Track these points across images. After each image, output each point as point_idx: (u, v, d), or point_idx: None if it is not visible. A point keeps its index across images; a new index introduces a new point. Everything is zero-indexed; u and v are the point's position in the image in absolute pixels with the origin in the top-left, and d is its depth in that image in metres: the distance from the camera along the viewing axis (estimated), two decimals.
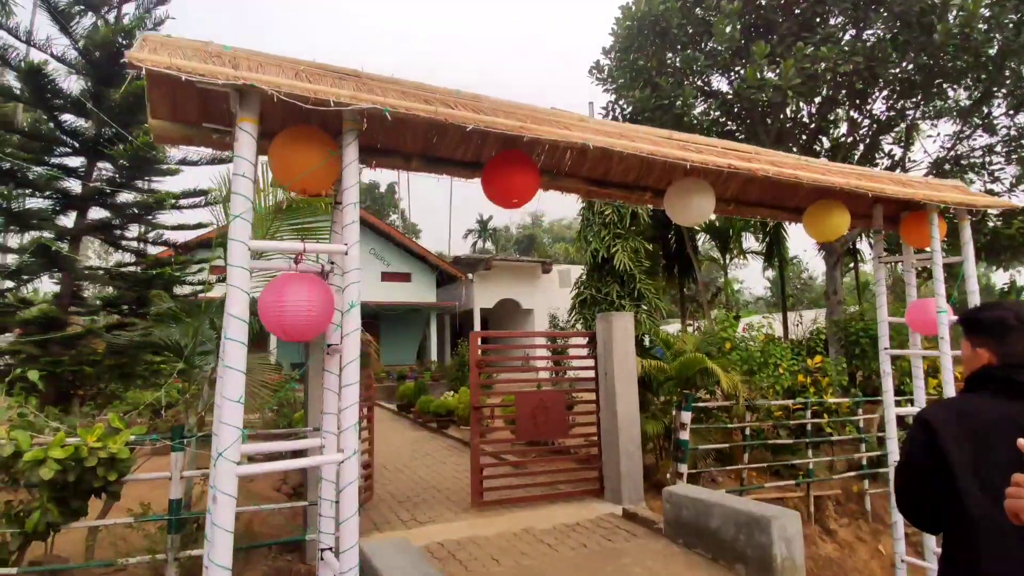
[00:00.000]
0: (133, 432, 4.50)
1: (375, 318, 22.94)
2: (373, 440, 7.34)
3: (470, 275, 22.21)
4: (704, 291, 21.59)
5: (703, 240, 21.36)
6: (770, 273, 39.54)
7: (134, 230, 7.88)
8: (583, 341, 7.49)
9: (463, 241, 48.98)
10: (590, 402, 7.37)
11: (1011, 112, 11.23)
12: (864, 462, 8.33)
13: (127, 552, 4.57)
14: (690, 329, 17.48)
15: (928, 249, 4.63)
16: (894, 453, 4.89)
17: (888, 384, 4.89)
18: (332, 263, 2.88)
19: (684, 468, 6.50)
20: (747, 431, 7.42)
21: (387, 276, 22.00)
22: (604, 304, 8.20)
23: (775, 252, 18.26)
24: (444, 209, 75.36)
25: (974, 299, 4.63)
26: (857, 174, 4.17)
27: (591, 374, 7.30)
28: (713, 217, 20.98)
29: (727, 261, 22.82)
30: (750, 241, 21.54)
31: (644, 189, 3.99)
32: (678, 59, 11.25)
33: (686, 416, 6.45)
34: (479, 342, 6.87)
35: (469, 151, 3.38)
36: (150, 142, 6.22)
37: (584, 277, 8.88)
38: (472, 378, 6.75)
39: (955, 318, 4.78)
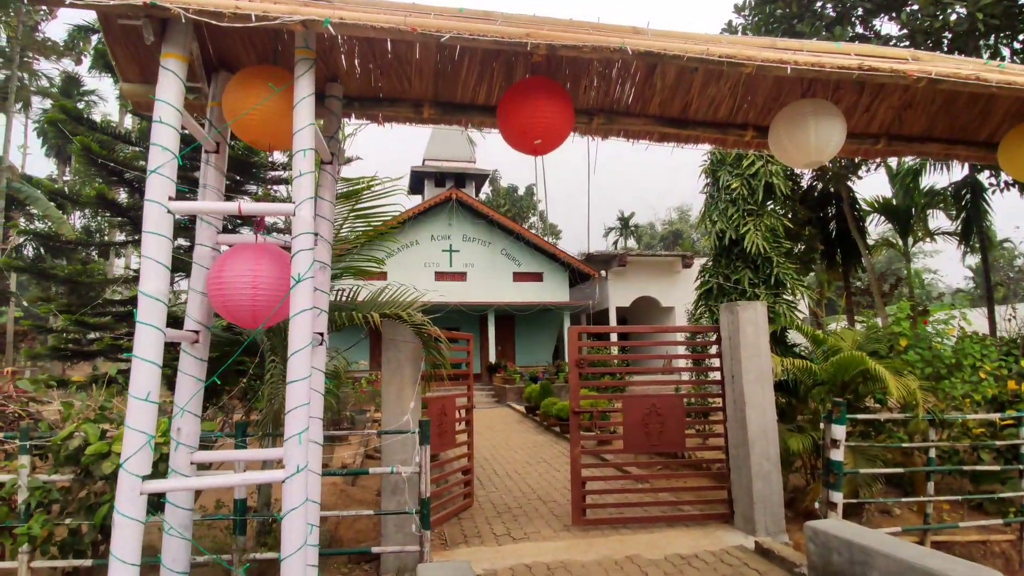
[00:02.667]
0: (206, 427, 4.40)
1: (510, 318, 22.89)
2: (472, 443, 6.88)
3: (603, 272, 21.24)
4: (878, 281, 18.49)
5: (875, 222, 18.27)
6: (973, 260, 33.48)
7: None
8: (709, 337, 6.36)
9: (603, 240, 47.80)
10: (717, 409, 6.23)
11: None
12: None
13: (196, 551, 4.50)
14: (859, 327, 14.89)
15: None
16: None
17: None
18: (317, 235, 2.34)
19: (838, 497, 5.12)
20: (931, 452, 5.75)
21: (519, 276, 21.84)
22: (734, 294, 6.94)
23: (973, 230, 14.92)
24: (584, 208, 74.40)
25: None
26: None
27: (718, 376, 6.16)
28: (889, 193, 17.92)
29: (909, 246, 19.34)
30: (940, 219, 17.96)
31: (742, 127, 2.97)
32: (829, 5, 9.46)
33: (838, 430, 5.09)
34: (580, 338, 6.08)
35: (493, 92, 2.68)
36: (248, 146, 6.32)
37: (709, 263, 7.65)
38: (572, 379, 5.98)
39: None
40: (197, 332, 2.19)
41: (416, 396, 4.93)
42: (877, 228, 22.56)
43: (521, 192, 44.68)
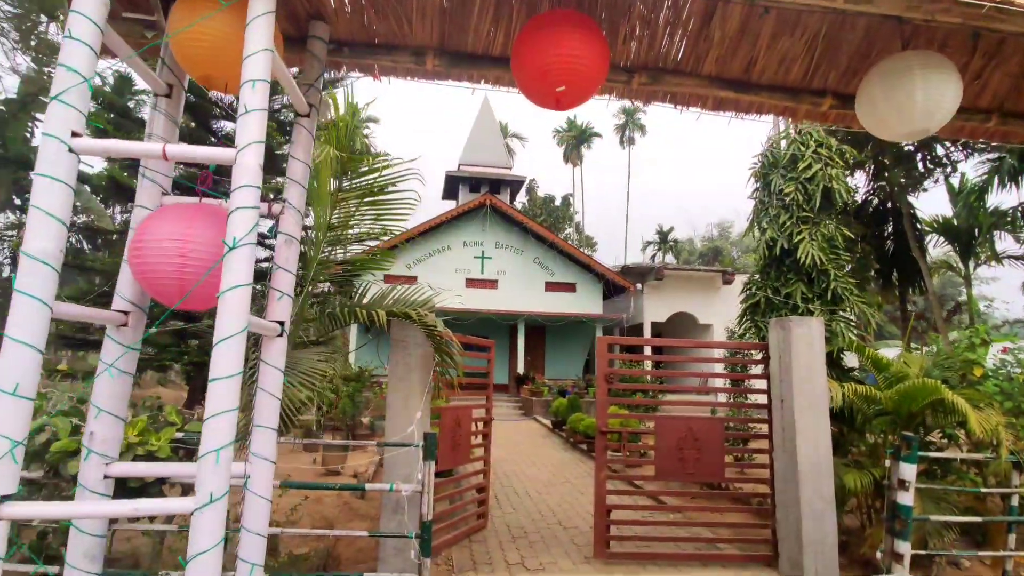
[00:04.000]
0: (190, 428, 4.01)
1: (540, 329, 22.33)
2: (489, 459, 6.37)
3: (639, 285, 20.52)
4: (939, 305, 17.30)
5: (934, 242, 17.12)
6: None
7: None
8: (753, 355, 5.71)
9: (641, 254, 46.84)
10: (762, 436, 5.57)
11: None
12: None
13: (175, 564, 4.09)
14: (917, 353, 13.81)
15: None
16: None
17: None
18: (284, 200, 1.88)
19: (906, 548, 4.41)
20: (1014, 499, 4.98)
21: (551, 286, 21.29)
22: (784, 309, 6.26)
23: None
24: (621, 223, 73.44)
25: None
26: None
27: (763, 399, 5.51)
28: (949, 212, 16.78)
29: (971, 270, 18.07)
30: (1007, 242, 16.67)
31: (818, 93, 2.41)
32: None
33: (908, 470, 4.39)
34: (611, 350, 5.52)
35: (511, 39, 2.19)
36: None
37: (756, 275, 6.98)
38: (599, 394, 5.42)
39: None
40: (126, 313, 1.77)
41: (424, 405, 4.46)
42: (934, 250, 21.20)
43: (558, 202, 44.19)
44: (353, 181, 4.11)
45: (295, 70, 2.25)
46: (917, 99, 1.94)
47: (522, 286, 21.17)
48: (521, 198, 44.82)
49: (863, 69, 2.28)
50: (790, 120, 2.54)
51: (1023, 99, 2.56)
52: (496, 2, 2.09)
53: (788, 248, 6.34)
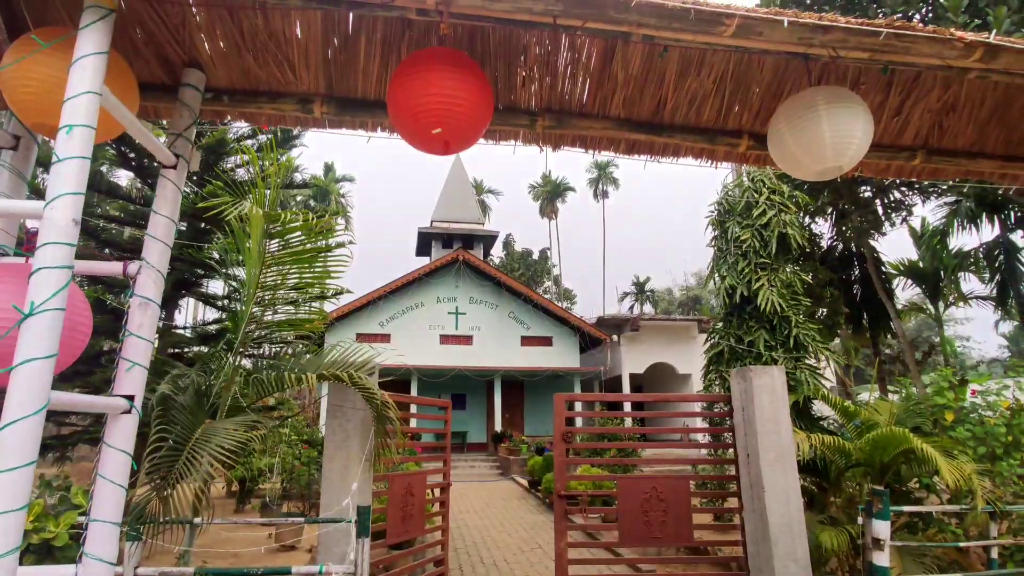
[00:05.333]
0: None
1: (518, 384, 21.90)
2: (447, 528, 5.96)
3: (615, 337, 20.35)
4: (910, 348, 17.33)
5: (902, 285, 17.32)
6: (1008, 327, 31.94)
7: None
8: (716, 408, 5.49)
9: (618, 305, 46.97)
10: (732, 494, 5.29)
11: None
12: None
13: None
14: (893, 398, 13.69)
15: None
16: None
17: None
18: (142, 260, 1.67)
19: None
20: (994, 553, 4.71)
21: (527, 340, 21.03)
22: (748, 358, 6.10)
23: (1010, 294, 13.89)
24: (599, 273, 74.01)
25: None
26: None
27: (731, 453, 5.26)
28: (915, 255, 17.05)
29: (940, 311, 18.26)
30: (972, 283, 16.93)
31: (735, 134, 2.31)
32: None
33: (881, 527, 4.13)
34: (568, 407, 5.26)
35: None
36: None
37: (720, 324, 6.85)
38: (557, 456, 5.13)
39: None
40: None
41: (363, 475, 4.13)
42: (904, 293, 21.43)
43: (536, 256, 44.47)
44: (284, 239, 3.93)
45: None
46: (825, 135, 1.83)
47: (497, 341, 20.89)
48: (499, 252, 45.09)
49: (777, 108, 2.20)
50: (719, 164, 2.45)
51: (946, 136, 2.49)
52: (382, 45, 1.98)
53: (748, 295, 6.25)
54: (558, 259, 47.31)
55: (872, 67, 2.09)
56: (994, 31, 1.68)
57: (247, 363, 4.37)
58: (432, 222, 24.90)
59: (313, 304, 4.63)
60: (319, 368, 3.93)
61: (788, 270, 6.36)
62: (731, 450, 5.23)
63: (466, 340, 20.95)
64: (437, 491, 6.14)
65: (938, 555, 5.20)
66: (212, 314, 10.53)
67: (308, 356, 4.65)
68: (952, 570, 5.06)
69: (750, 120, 2.30)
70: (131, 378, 1.70)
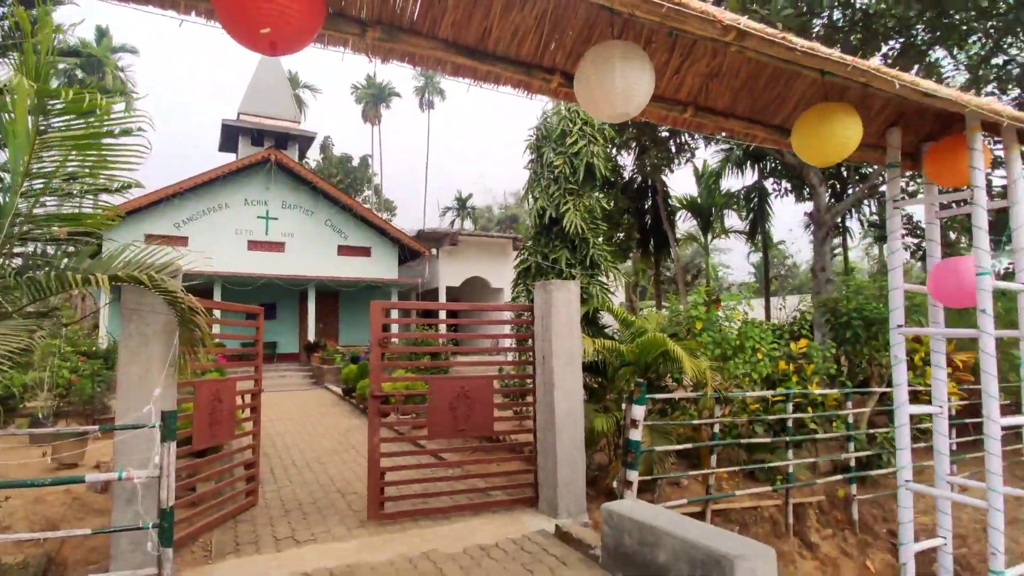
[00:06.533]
0: None
1: (334, 295, 21.45)
2: (258, 433, 5.98)
3: (434, 251, 20.75)
4: (683, 271, 20.30)
5: (684, 218, 20.11)
6: (756, 257, 38.64)
7: None
8: (521, 316, 6.13)
9: (440, 219, 47.36)
10: (529, 391, 6.04)
11: None
12: (852, 463, 7.12)
13: None
14: (664, 312, 16.22)
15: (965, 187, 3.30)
16: (906, 468, 3.60)
17: (901, 374, 3.59)
18: None
19: (634, 476, 5.19)
20: (716, 428, 6.13)
21: (344, 250, 20.47)
22: (551, 273, 6.84)
23: (758, 230, 17.01)
24: (422, 185, 73.31)
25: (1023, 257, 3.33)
26: (876, 67, 2.76)
27: (530, 356, 5.96)
28: (694, 191, 19.70)
29: (709, 241, 21.60)
30: (734, 219, 20.28)
31: (549, 70, 2.58)
32: None
33: (638, 411, 5.13)
34: (383, 314, 5.48)
35: None
36: None
37: (530, 242, 7.49)
38: (373, 359, 5.38)
39: (1003, 283, 3.47)
40: None
41: (166, 380, 3.98)
42: (684, 224, 24.83)
43: (356, 163, 42.36)
44: (64, 119, 3.41)
45: None
46: (617, 84, 2.18)
47: (313, 250, 20.01)
48: (315, 156, 42.09)
49: (585, 53, 2.50)
50: (534, 96, 2.69)
51: (710, 97, 3.05)
52: None
53: (556, 217, 6.90)
54: (380, 168, 45.69)
55: (661, 28, 2.46)
56: (746, 16, 2.11)
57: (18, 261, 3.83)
58: (239, 115, 22.27)
59: (92, 198, 4.12)
60: (111, 268, 3.60)
61: (592, 196, 7.10)
62: (531, 354, 5.93)
63: (278, 247, 19.73)
64: (248, 398, 6.07)
65: (679, 432, 6.60)
66: None
67: (98, 258, 4.20)
68: (688, 440, 6.48)
69: (563, 60, 2.58)
70: None
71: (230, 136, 22.62)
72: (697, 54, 2.66)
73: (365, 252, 20.78)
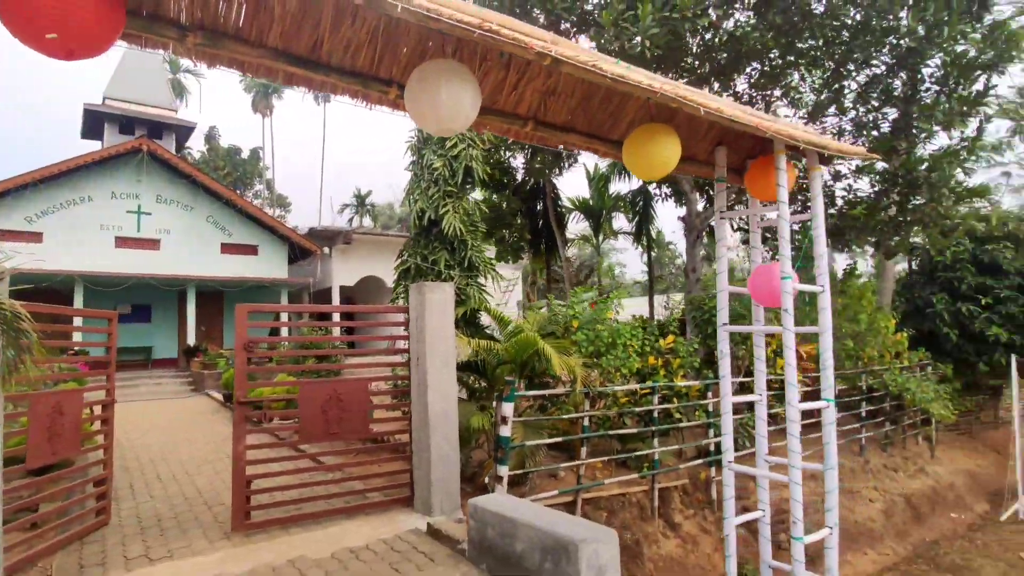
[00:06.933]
0: None
1: (218, 296, 20.20)
2: (111, 447, 5.58)
3: (327, 249, 20.12)
4: (574, 270, 21.01)
5: (578, 219, 20.86)
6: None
7: None
8: (398, 318, 6.15)
9: (339, 216, 45.86)
10: (405, 392, 6.09)
11: (860, 92, 11.27)
12: (712, 448, 7.79)
13: None
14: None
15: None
16: (729, 451, 4.02)
17: (726, 367, 3.99)
18: None
19: (504, 471, 5.40)
20: (586, 421, 6.49)
21: (229, 248, 19.35)
22: (431, 275, 6.92)
23: (643, 231, 18.02)
24: (323, 184, 70.72)
25: (823, 263, 3.84)
26: (690, 89, 3.07)
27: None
28: (586, 194, 20.47)
29: (600, 241, 22.55)
30: (623, 221, 21.33)
31: (386, 82, 2.66)
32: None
33: (507, 408, 5.34)
34: (250, 317, 5.31)
35: None
36: None
37: (410, 243, 7.53)
38: (238, 364, 5.20)
39: (802, 286, 3.98)
40: None
41: None
42: (580, 225, 25.64)
43: (246, 155, 40.03)
44: None
45: None
46: (442, 100, 2.30)
47: (192, 247, 18.72)
48: (200, 147, 39.32)
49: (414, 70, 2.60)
50: (374, 106, 2.74)
51: (549, 113, 3.26)
52: None
53: (435, 219, 6.98)
54: (272, 162, 43.50)
55: (495, 48, 2.60)
56: (555, 47, 2.29)
57: None
58: (105, 99, 20.35)
59: None
60: None
61: (471, 199, 7.25)
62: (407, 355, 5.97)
63: (151, 244, 18.26)
64: (99, 409, 5.66)
65: (556, 425, 6.90)
66: None
67: None
68: (565, 434, 6.79)
69: (399, 73, 2.66)
70: None
71: (95, 123, 20.61)
72: (532, 72, 2.83)
73: (251, 250, 19.74)
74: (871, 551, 9.18)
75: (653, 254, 18.75)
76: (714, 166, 4.12)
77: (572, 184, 51.75)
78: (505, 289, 22.76)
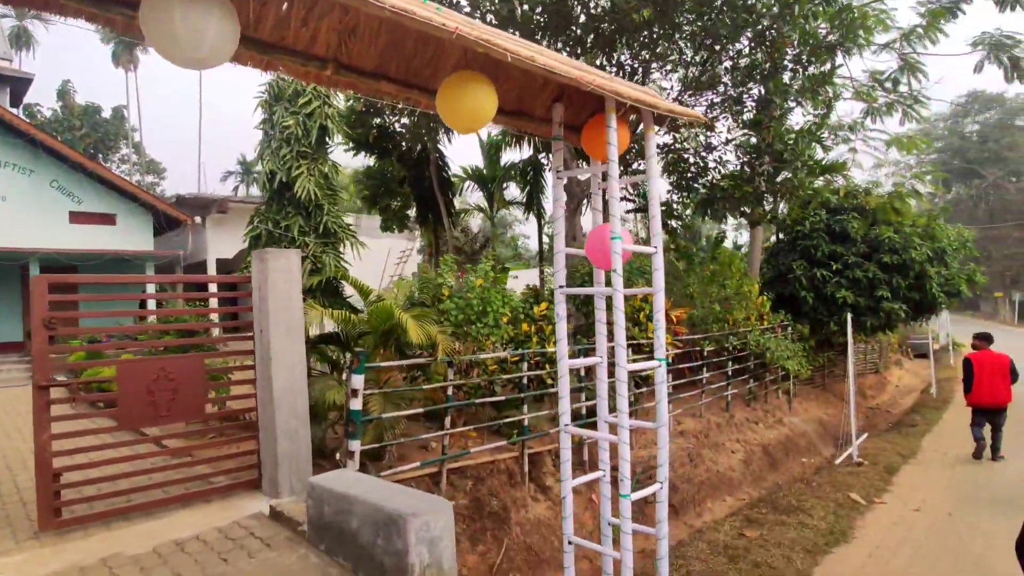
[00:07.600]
0: None
1: (69, 271, 18.08)
2: None
3: (199, 219, 18.55)
4: (470, 240, 20.81)
5: (472, 188, 20.58)
6: (550, 229, 41.30)
7: None
8: (237, 289, 5.67)
9: (222, 184, 42.59)
10: (249, 367, 5.65)
11: (729, 68, 11.77)
12: (584, 411, 7.97)
13: None
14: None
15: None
16: (566, 414, 4.00)
17: (562, 330, 3.95)
18: None
19: (356, 445, 5.16)
20: (450, 390, 6.36)
21: (79, 217, 17.28)
22: (284, 242, 6.43)
23: (534, 200, 18.09)
24: (202, 149, 65.26)
25: (656, 224, 3.88)
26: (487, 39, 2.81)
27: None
28: (480, 162, 20.18)
29: (495, 211, 22.44)
30: (514, 190, 21.32)
31: (124, 3, 2.25)
32: None
33: (357, 380, 5.09)
34: (52, 290, 4.65)
35: None
36: None
37: (261, 208, 6.96)
38: (36, 345, 4.55)
39: (634, 247, 4.00)
40: None
41: None
42: (476, 194, 25.36)
43: (107, 114, 35.85)
44: None
45: None
46: (177, 27, 1.95)
47: (34, 217, 16.50)
48: (53, 105, 34.71)
49: None
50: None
51: (354, 57, 2.96)
52: None
53: (287, 182, 6.46)
54: (140, 122, 39.37)
55: None
56: None
57: None
58: None
59: None
60: None
61: (328, 161, 6.78)
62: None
63: None
64: None
65: (429, 396, 6.73)
66: None
67: None
68: (433, 406, 6.63)
69: None
70: None
71: None
72: (323, 8, 2.52)
73: (108, 220, 17.74)
74: (730, 497, 9.90)
75: (544, 224, 18.89)
76: (550, 124, 4.01)
77: (467, 153, 51.21)
78: (400, 260, 22.19)
